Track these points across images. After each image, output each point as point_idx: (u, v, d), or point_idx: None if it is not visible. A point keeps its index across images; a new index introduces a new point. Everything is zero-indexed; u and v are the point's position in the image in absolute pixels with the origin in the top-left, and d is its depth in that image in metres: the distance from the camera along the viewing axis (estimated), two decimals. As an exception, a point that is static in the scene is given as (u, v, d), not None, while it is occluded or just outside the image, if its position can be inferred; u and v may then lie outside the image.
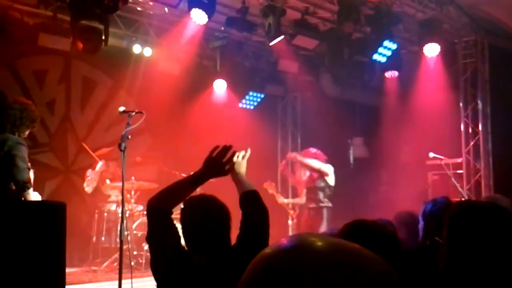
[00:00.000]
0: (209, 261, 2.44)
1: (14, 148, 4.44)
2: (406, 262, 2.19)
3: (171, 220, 2.58)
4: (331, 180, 7.29)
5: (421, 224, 3.38)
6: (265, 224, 2.63)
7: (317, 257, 0.71)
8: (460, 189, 7.79)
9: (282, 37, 7.72)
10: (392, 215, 3.85)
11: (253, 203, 2.67)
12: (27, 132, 4.74)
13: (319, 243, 0.73)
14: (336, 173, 7.97)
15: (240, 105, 9.81)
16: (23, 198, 4.45)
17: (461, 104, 8.87)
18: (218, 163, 2.67)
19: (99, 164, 7.49)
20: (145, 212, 7.28)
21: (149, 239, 2.59)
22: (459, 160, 8.54)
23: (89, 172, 7.54)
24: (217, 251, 2.47)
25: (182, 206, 2.63)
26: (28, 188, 4.45)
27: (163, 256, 2.55)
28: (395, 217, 3.86)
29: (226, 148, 2.67)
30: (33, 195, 4.63)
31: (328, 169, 7.25)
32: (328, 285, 0.68)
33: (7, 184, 4.47)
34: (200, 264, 2.42)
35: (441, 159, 7.71)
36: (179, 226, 2.57)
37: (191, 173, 2.70)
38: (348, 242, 0.78)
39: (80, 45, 6.94)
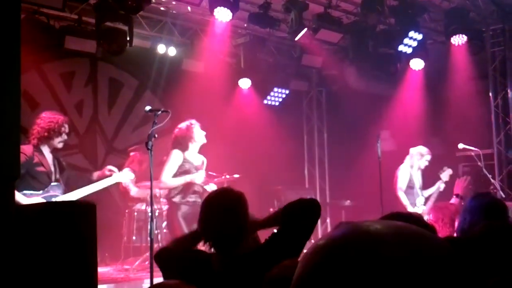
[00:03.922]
0: (227, 263, 2.36)
1: None
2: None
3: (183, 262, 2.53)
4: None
5: (462, 218, 3.29)
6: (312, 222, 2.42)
7: (378, 239, 0.69)
8: (492, 180, 7.64)
9: (305, 29, 7.67)
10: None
11: (297, 206, 2.44)
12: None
13: (376, 226, 0.71)
14: (364, 167, 7.89)
15: (265, 101, 9.76)
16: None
17: (490, 94, 8.68)
18: None
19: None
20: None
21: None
22: (490, 150, 8.36)
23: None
24: (232, 245, 2.40)
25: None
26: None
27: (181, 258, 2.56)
28: (432, 210, 3.79)
29: None
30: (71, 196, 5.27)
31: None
32: (395, 265, 0.66)
33: None
34: (219, 268, 2.36)
35: (471, 150, 7.56)
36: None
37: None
38: (397, 222, 0.76)
39: (106, 47, 7.03)
